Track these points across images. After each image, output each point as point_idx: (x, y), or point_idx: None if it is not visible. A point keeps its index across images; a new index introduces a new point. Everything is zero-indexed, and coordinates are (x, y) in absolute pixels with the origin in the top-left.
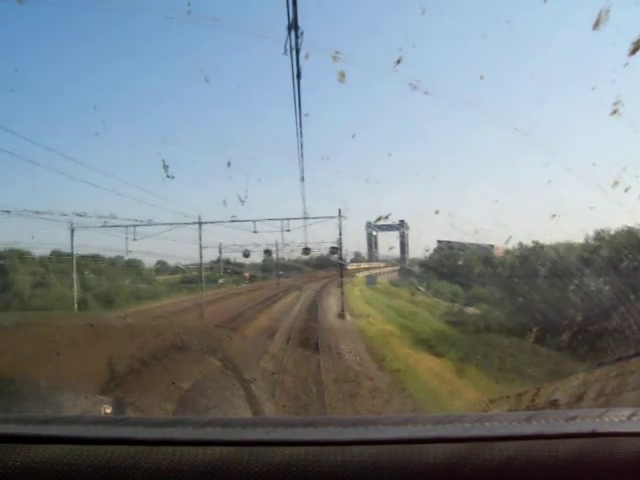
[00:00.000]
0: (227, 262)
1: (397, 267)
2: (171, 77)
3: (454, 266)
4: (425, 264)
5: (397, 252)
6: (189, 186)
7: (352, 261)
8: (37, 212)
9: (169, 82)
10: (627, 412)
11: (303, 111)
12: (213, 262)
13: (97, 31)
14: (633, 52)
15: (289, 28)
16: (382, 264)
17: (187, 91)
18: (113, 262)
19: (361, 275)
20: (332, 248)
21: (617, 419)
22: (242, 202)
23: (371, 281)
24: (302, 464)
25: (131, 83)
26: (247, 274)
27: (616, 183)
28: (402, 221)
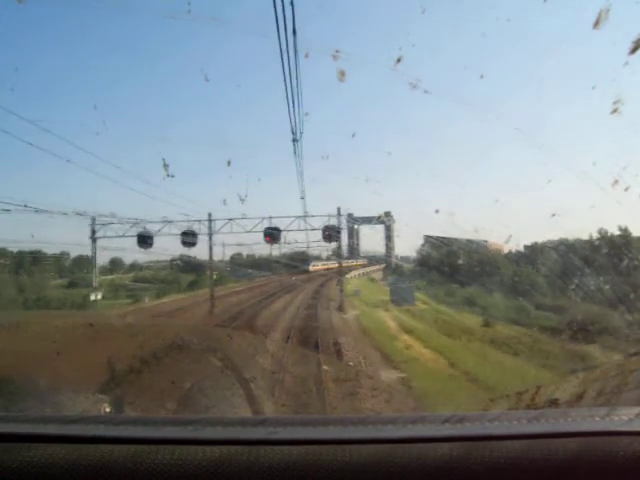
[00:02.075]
0: (187, 257)
1: (382, 265)
2: (171, 77)
3: (463, 265)
4: (424, 262)
5: (373, 247)
6: (189, 185)
7: (330, 258)
8: (37, 210)
9: (169, 82)
10: (627, 412)
11: (303, 110)
12: (174, 259)
13: (96, 30)
14: (633, 51)
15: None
16: (365, 261)
17: (186, 91)
18: (58, 259)
19: (352, 275)
20: (328, 230)
21: (617, 419)
22: (242, 201)
23: (406, 297)
24: (302, 463)
25: (130, 83)
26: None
27: (616, 182)
28: (388, 213)
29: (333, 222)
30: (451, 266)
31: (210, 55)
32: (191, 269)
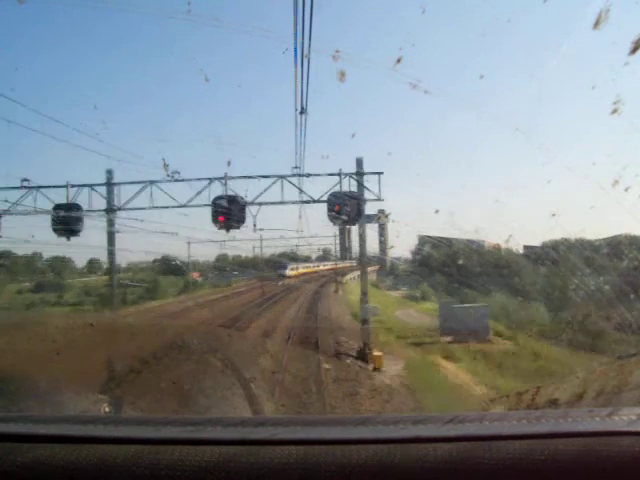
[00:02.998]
0: (168, 259)
1: (375, 267)
2: (171, 77)
3: (472, 267)
4: (424, 263)
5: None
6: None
7: (318, 259)
8: (37, 210)
9: (168, 82)
10: (628, 412)
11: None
12: (157, 260)
13: (96, 30)
14: (633, 51)
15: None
16: (353, 263)
17: (186, 91)
18: (29, 260)
19: (348, 278)
20: (340, 200)
21: (617, 418)
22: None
23: (473, 325)
24: (302, 463)
25: (130, 82)
26: (196, 275)
27: (616, 182)
28: (382, 210)
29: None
30: (459, 268)
31: (210, 55)
32: (172, 271)
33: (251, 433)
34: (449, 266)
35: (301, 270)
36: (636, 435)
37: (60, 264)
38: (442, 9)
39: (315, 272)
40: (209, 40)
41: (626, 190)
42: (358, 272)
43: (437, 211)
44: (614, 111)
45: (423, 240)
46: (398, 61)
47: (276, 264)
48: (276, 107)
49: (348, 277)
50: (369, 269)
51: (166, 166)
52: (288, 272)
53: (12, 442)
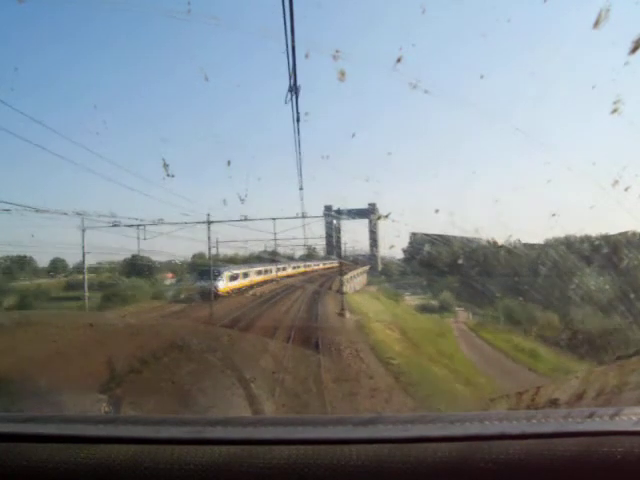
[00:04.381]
0: (135, 258)
1: (366, 267)
2: (170, 76)
3: (486, 267)
4: (428, 263)
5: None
6: (190, 185)
7: (303, 258)
8: (37, 210)
9: (168, 81)
10: (629, 412)
11: (303, 110)
12: (127, 260)
13: (96, 29)
14: (633, 51)
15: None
16: (337, 263)
17: (187, 90)
18: None
19: (349, 277)
20: None
21: (618, 419)
22: (242, 201)
23: None
24: (302, 463)
25: (130, 83)
26: (170, 276)
27: (616, 182)
28: (373, 205)
29: None
30: (474, 268)
31: (210, 55)
32: (138, 272)
33: (251, 433)
34: (453, 266)
35: (253, 279)
36: (635, 435)
37: (15, 264)
38: (442, 9)
39: (306, 272)
40: (209, 39)
41: (626, 190)
42: (355, 272)
43: (437, 211)
44: (614, 111)
45: (421, 239)
46: (398, 61)
47: (206, 271)
48: (275, 105)
49: (347, 277)
50: (359, 271)
51: (166, 166)
52: (221, 284)
53: (12, 442)
